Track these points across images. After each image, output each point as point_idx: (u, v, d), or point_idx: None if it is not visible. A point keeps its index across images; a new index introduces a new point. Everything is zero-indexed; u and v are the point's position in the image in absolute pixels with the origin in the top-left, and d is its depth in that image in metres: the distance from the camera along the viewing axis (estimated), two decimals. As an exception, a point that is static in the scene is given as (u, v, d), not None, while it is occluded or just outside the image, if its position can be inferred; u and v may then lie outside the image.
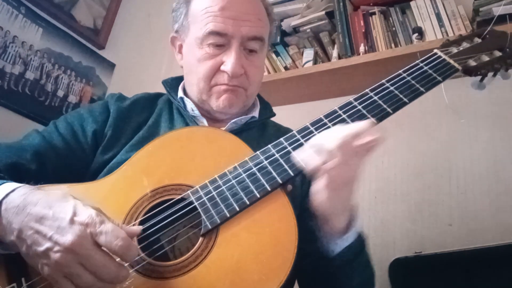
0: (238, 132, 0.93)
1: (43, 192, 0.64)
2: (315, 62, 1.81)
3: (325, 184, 0.67)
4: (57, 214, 0.58)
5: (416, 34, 1.56)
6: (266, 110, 1.03)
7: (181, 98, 0.97)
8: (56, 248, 0.56)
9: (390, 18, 1.68)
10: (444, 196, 1.47)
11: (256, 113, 0.99)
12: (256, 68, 0.93)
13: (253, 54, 0.92)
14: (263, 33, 0.92)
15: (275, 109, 1.07)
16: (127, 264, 0.61)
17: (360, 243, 0.76)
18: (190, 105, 0.95)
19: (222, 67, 0.88)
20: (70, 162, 0.86)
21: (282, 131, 1.01)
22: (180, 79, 1.05)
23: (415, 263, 1.33)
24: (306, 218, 0.90)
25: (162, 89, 1.05)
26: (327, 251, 0.75)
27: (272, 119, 1.06)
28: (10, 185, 0.65)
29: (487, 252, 1.24)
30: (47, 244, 0.56)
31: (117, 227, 0.59)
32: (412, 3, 1.62)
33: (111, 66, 1.87)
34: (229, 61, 0.87)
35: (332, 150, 0.64)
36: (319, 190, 0.69)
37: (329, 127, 0.73)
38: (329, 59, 1.80)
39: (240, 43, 0.88)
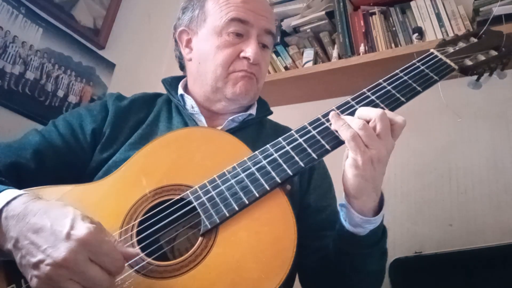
0: (236, 130, 0.94)
1: (44, 201, 0.64)
2: (315, 62, 1.81)
3: (350, 163, 0.69)
4: (54, 226, 0.57)
5: (416, 34, 1.56)
6: (264, 108, 1.03)
7: (181, 95, 0.97)
8: (48, 261, 0.55)
9: (390, 18, 1.67)
10: (444, 196, 1.47)
11: (253, 111, 0.99)
12: (266, 64, 0.99)
13: (265, 49, 0.98)
14: (275, 30, 0.99)
15: (275, 109, 1.07)
16: (127, 264, 0.61)
17: (383, 229, 0.78)
18: (190, 102, 0.96)
19: (242, 54, 0.92)
20: (69, 161, 0.86)
21: (280, 129, 1.02)
22: (179, 78, 1.05)
23: (415, 263, 1.33)
24: (310, 215, 0.90)
25: (162, 90, 1.06)
26: (350, 236, 0.75)
27: (272, 118, 1.07)
28: (12, 192, 0.64)
29: (487, 252, 1.24)
30: (40, 256, 0.56)
31: (116, 249, 0.58)
32: (412, 3, 1.62)
33: (111, 66, 1.86)
34: (250, 47, 0.92)
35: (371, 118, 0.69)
36: (346, 168, 0.70)
37: (327, 126, 0.73)
38: (329, 59, 1.80)
39: (257, 35, 0.94)
